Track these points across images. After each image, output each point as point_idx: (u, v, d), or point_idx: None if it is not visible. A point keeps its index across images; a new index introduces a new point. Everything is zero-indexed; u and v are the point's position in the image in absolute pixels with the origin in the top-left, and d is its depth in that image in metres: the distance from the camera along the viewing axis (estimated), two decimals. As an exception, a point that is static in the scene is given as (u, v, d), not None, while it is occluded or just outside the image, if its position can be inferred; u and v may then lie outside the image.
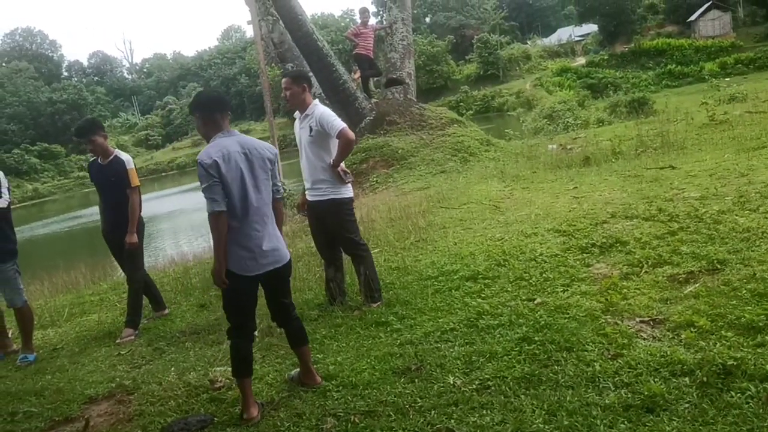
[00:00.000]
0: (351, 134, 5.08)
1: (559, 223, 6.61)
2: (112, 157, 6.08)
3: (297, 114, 5.34)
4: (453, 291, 5.33)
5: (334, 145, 5.16)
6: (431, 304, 5.15)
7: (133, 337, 5.95)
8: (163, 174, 60.68)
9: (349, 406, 3.63)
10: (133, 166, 6.11)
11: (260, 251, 3.75)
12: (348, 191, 5.31)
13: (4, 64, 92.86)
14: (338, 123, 5.03)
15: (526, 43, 73.05)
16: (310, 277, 6.67)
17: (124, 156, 6.15)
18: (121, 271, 7.12)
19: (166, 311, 6.42)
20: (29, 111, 79.14)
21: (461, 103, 54.26)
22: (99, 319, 6.98)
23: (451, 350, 4.14)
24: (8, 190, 5.88)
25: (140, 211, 6.15)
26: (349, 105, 14.93)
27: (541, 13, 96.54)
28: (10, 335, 6.34)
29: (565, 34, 74.33)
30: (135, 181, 6.05)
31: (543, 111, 30.38)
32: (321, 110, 5.12)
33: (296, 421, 3.61)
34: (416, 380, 3.81)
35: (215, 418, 3.87)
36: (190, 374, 4.59)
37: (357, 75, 15.55)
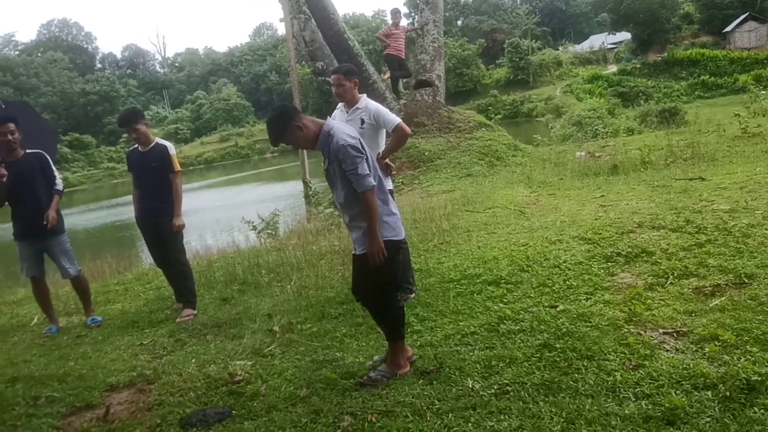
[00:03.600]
0: (407, 129, 5.27)
1: (584, 231, 6.55)
2: (153, 144, 6.23)
3: (341, 107, 5.38)
4: (475, 295, 5.31)
5: (382, 139, 5.30)
6: (452, 306, 5.14)
7: (192, 316, 6.11)
8: (191, 168, 61.19)
9: (366, 405, 3.64)
10: (175, 152, 6.32)
11: (398, 214, 4.05)
12: (388, 184, 5.34)
13: (39, 54, 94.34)
14: (395, 117, 5.23)
15: (558, 49, 72.57)
16: (333, 276, 6.69)
17: (166, 142, 6.35)
18: (150, 260, 7.23)
19: (195, 312, 6.30)
20: (62, 101, 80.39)
21: (490, 107, 54.00)
22: (123, 308, 7.07)
23: (471, 354, 4.13)
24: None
25: (180, 195, 6.30)
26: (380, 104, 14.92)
27: (574, 19, 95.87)
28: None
29: (597, 41, 73.72)
30: (177, 166, 6.25)
31: (572, 118, 30.14)
32: (375, 105, 5.28)
33: (314, 417, 3.62)
34: (434, 382, 3.80)
35: (233, 411, 3.90)
36: (210, 366, 4.63)
37: (387, 75, 15.55)
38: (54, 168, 6.34)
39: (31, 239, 6.21)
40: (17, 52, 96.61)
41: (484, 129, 15.40)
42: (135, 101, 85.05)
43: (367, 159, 3.81)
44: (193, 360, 4.89)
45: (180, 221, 6.23)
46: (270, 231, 12.16)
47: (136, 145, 6.33)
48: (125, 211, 21.33)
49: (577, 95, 48.58)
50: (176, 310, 6.44)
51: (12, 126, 5.97)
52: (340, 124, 3.95)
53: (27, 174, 6.07)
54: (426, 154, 13.99)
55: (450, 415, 3.36)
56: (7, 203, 6.17)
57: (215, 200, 29.14)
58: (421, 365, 4.09)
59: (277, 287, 6.79)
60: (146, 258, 10.35)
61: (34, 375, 5.02)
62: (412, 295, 5.45)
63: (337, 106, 5.50)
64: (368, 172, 3.76)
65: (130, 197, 6.84)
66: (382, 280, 4.00)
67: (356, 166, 3.72)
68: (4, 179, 5.89)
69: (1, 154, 6.02)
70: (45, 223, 6.08)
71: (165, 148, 6.25)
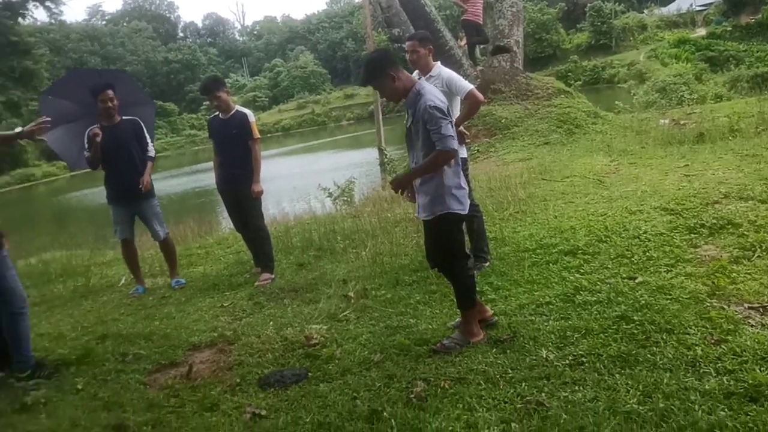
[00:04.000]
0: (480, 96, 5.17)
1: (666, 201, 6.33)
2: (233, 111, 6.37)
3: (416, 75, 5.35)
4: (550, 265, 5.24)
5: (456, 107, 5.24)
6: (527, 276, 5.09)
7: (270, 280, 6.28)
8: (268, 135, 62.16)
9: (439, 372, 3.67)
10: (254, 120, 6.44)
11: (466, 188, 4.01)
12: (462, 152, 5.29)
13: (125, 24, 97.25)
14: (467, 84, 5.17)
15: (643, 12, 69.48)
16: (407, 243, 6.73)
17: (246, 110, 6.48)
18: (230, 225, 7.44)
19: (272, 277, 6.46)
20: (147, 69, 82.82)
21: (569, 74, 52.37)
22: (204, 271, 7.32)
23: (546, 324, 4.09)
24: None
25: (260, 162, 6.43)
26: (454, 72, 14.74)
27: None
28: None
29: (685, 3, 70.06)
30: (256, 133, 6.39)
31: (656, 84, 28.91)
32: (448, 72, 5.19)
33: (387, 382, 3.68)
34: (508, 351, 3.80)
35: (309, 373, 4.01)
36: (287, 329, 4.76)
37: (463, 42, 15.29)
38: (147, 135, 6.59)
39: (124, 203, 6.50)
40: (104, 22, 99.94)
41: (563, 96, 14.99)
42: (215, 69, 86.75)
43: (451, 124, 3.78)
44: (271, 323, 5.04)
45: (259, 187, 6.36)
46: (345, 198, 12.29)
47: (217, 113, 6.48)
48: (205, 177, 21.95)
49: (662, 60, 46.47)
50: (255, 274, 6.63)
51: (111, 93, 6.23)
52: (432, 86, 3.92)
53: (122, 139, 6.33)
54: (502, 121, 13.76)
55: (523, 384, 3.36)
56: (101, 168, 6.45)
57: (292, 167, 29.59)
58: (494, 334, 4.09)
59: (352, 254, 6.88)
60: (226, 223, 10.64)
61: (122, 333, 5.29)
62: (487, 264, 5.44)
63: (413, 74, 5.46)
64: (452, 134, 3.73)
65: (210, 164, 7.03)
66: (447, 250, 4.01)
67: (441, 125, 3.70)
68: (99, 139, 6.15)
69: (100, 120, 6.30)
70: (140, 187, 6.36)
71: (245, 115, 6.38)
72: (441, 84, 5.12)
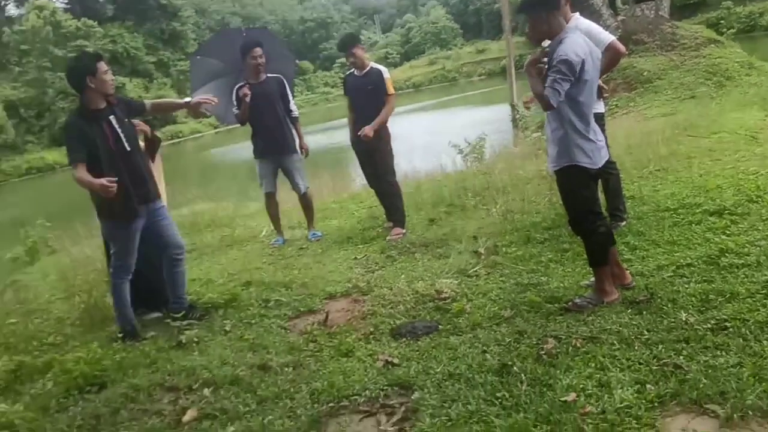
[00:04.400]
0: (621, 47, 4.96)
1: (829, 160, 5.82)
2: (368, 68, 6.48)
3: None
4: (693, 225, 4.99)
5: None
6: (667, 237, 4.88)
7: (401, 235, 6.42)
8: (400, 92, 62.34)
9: (571, 330, 3.63)
10: (389, 76, 6.51)
11: (600, 144, 3.91)
12: (599, 107, 5.11)
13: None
14: (607, 35, 4.94)
15: (810, -50, 62.80)
16: (540, 201, 6.62)
17: (381, 67, 6.58)
18: (363, 181, 7.63)
19: (404, 232, 6.54)
20: (284, 29, 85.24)
21: (721, 21, 48.39)
22: (339, 225, 7.59)
23: (686, 286, 3.92)
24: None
25: (388, 118, 6.53)
26: (593, 22, 14.10)
27: None
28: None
29: None
30: (391, 89, 6.48)
31: (823, 30, 26.26)
32: (586, 23, 4.97)
33: (517, 338, 3.69)
34: (644, 312, 3.69)
35: (440, 326, 4.09)
36: (418, 283, 4.86)
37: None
38: (290, 93, 6.86)
39: (269, 157, 6.82)
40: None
41: (713, 45, 13.97)
42: (348, 27, 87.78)
43: (571, 82, 3.65)
44: (403, 276, 5.16)
45: (370, 131, 6.33)
46: (476, 155, 12.17)
47: (353, 70, 6.61)
48: (339, 134, 22.46)
49: (832, 3, 41.99)
50: (387, 229, 6.78)
51: (259, 51, 6.51)
52: (578, 38, 3.76)
53: (268, 97, 6.60)
54: (644, 74, 13.06)
55: (660, 346, 3.26)
56: (248, 124, 6.79)
57: (423, 124, 29.64)
58: (630, 295, 3.98)
59: (483, 210, 6.87)
60: (359, 178, 10.90)
61: (264, 280, 5.61)
62: (623, 223, 5.26)
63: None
64: (560, 91, 3.62)
65: (343, 120, 7.21)
66: (576, 204, 3.95)
67: (556, 78, 3.61)
68: (248, 99, 6.47)
69: (248, 77, 6.62)
70: (304, 153, 6.87)
71: (380, 72, 6.47)
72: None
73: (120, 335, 4.62)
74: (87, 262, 7.67)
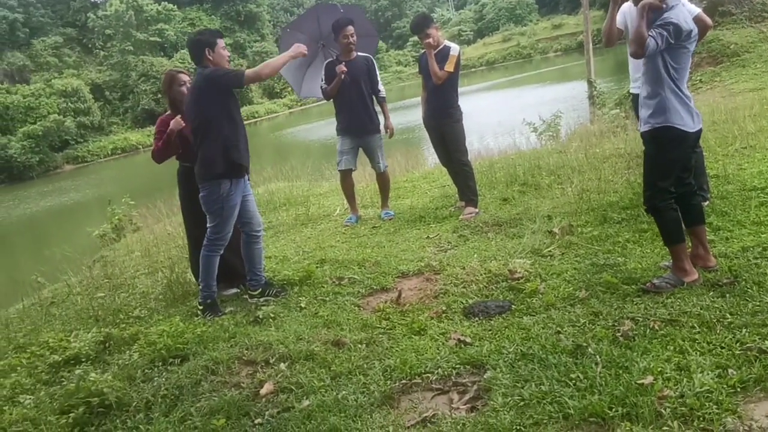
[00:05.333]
0: (708, 20, 4.88)
1: None
2: (441, 47, 6.46)
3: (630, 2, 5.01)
4: (782, 205, 4.77)
5: None
6: (753, 217, 4.69)
7: (474, 214, 6.41)
8: (473, 69, 61.82)
9: (648, 312, 3.55)
10: (456, 53, 6.45)
11: (694, 109, 3.86)
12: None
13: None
14: (693, 7, 4.80)
15: None
16: (617, 179, 6.46)
17: (452, 44, 6.57)
18: (435, 160, 7.62)
19: (476, 211, 6.51)
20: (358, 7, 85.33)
21: (817, -11, 45.74)
22: (411, 204, 7.60)
23: (773, 269, 3.77)
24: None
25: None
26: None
27: None
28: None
29: None
30: (450, 67, 6.38)
31: None
32: None
33: (592, 319, 3.63)
34: (727, 295, 3.56)
35: (513, 306, 4.07)
36: (491, 263, 4.83)
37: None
38: (377, 72, 6.93)
39: (352, 135, 6.90)
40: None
41: (808, 15, 13.20)
42: (421, 4, 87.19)
43: (672, 43, 3.64)
44: (475, 255, 5.14)
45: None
46: (551, 133, 11.99)
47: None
48: (411, 113, 22.43)
49: None
50: (459, 208, 6.75)
51: (352, 29, 6.62)
52: (685, 13, 3.74)
53: (356, 75, 6.69)
54: (731, 47, 12.49)
55: (744, 330, 3.15)
56: (332, 101, 6.91)
57: (497, 102, 29.24)
58: (712, 277, 3.85)
59: (558, 189, 6.75)
60: (432, 157, 10.88)
61: (338, 258, 5.70)
62: (706, 203, 5.06)
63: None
64: (658, 45, 3.62)
65: (413, 100, 7.22)
66: (655, 173, 3.86)
67: (661, 32, 3.61)
68: (344, 77, 6.57)
69: (339, 54, 6.71)
70: (388, 133, 6.98)
71: (448, 48, 6.44)
72: None
73: (200, 309, 4.80)
74: (168, 239, 8.00)
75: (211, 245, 4.81)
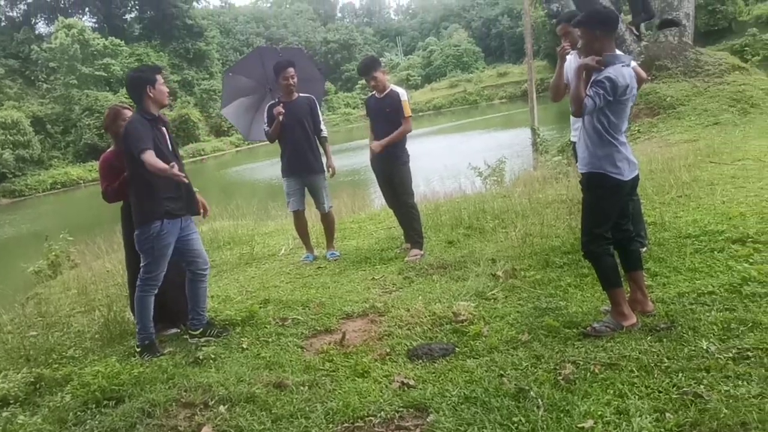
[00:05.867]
0: (643, 73, 5.18)
1: None
2: (388, 90, 6.55)
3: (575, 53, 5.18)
4: (716, 253, 4.94)
5: None
6: (689, 264, 4.83)
7: (419, 256, 6.41)
8: (420, 114, 62.73)
9: (589, 356, 3.60)
10: (407, 99, 6.56)
11: (631, 158, 3.96)
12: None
13: (287, 6, 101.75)
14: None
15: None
16: (559, 225, 6.59)
17: (400, 89, 6.63)
18: (382, 201, 7.65)
19: (422, 253, 6.52)
20: (306, 50, 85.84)
21: (746, 48, 48.13)
22: (357, 245, 7.59)
23: (708, 314, 3.88)
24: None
25: (402, 137, 6.56)
26: (616, 47, 14.09)
27: None
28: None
29: None
30: (408, 111, 6.51)
31: None
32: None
33: (534, 362, 3.66)
34: (664, 340, 3.64)
35: (456, 348, 4.07)
36: (435, 305, 4.84)
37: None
38: (320, 112, 6.94)
39: (296, 175, 6.88)
40: (269, 5, 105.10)
41: (737, 72, 13.93)
42: (370, 49, 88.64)
43: (610, 100, 3.75)
44: (420, 297, 5.14)
45: (379, 147, 6.49)
46: (496, 178, 12.19)
47: (374, 92, 6.67)
48: (359, 155, 22.56)
49: None
50: (405, 250, 6.77)
51: (292, 71, 6.62)
52: (622, 70, 3.84)
53: (298, 116, 6.69)
54: (667, 100, 13.02)
55: (680, 374, 3.22)
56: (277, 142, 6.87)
57: (443, 146, 29.67)
58: (650, 322, 3.94)
59: (502, 233, 6.85)
60: (378, 199, 10.92)
61: (282, 299, 5.63)
62: (644, 249, 5.21)
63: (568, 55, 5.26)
64: (596, 105, 3.74)
65: (361, 141, 7.28)
66: (592, 220, 3.96)
67: (598, 91, 3.73)
68: (282, 118, 6.57)
69: (281, 96, 6.72)
70: (330, 173, 6.92)
71: (398, 94, 6.53)
72: None
73: (138, 350, 4.65)
74: (107, 276, 7.76)
75: (144, 285, 4.68)
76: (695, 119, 12.18)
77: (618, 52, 4.03)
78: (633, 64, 4.88)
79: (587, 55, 3.94)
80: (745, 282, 4.23)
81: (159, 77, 4.70)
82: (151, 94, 4.61)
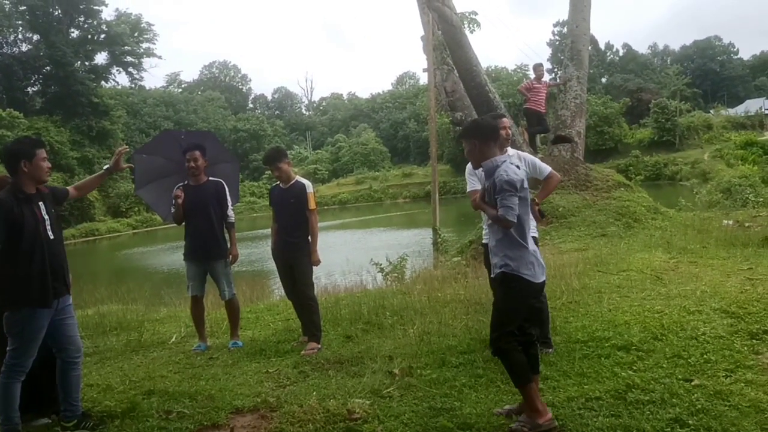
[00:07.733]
0: (559, 176, 5.66)
1: (727, 304, 6.15)
2: (293, 181, 6.58)
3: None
4: (602, 359, 5.11)
5: None
6: (577, 368, 4.97)
7: (316, 350, 6.29)
8: (326, 207, 63.30)
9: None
10: (312, 191, 6.63)
11: (540, 261, 4.16)
12: (534, 231, 5.27)
13: (199, 93, 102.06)
14: (547, 167, 5.59)
15: (709, 112, 69.20)
16: (456, 324, 6.67)
17: (305, 181, 6.69)
18: (281, 292, 7.54)
19: (319, 347, 6.42)
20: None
21: (630, 167, 52.11)
22: (253, 335, 7.37)
23: (595, 420, 3.97)
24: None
25: (317, 231, 6.63)
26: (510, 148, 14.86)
27: (729, 82, 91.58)
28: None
29: (754, 105, 69.54)
30: (312, 204, 6.56)
31: (720, 184, 28.46)
32: (530, 156, 5.69)
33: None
34: (554, 444, 3.68)
35: (349, 448, 3.95)
36: (330, 401, 4.71)
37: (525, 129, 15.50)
38: (229, 198, 6.85)
39: (197, 259, 6.73)
40: (180, 90, 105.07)
41: (622, 189, 14.89)
42: (280, 140, 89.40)
43: (518, 197, 3.95)
44: (314, 393, 5.00)
45: (317, 257, 6.54)
46: (397, 274, 12.31)
47: (278, 182, 6.70)
48: (261, 244, 22.33)
49: (728, 161, 45.82)
50: (302, 343, 6.64)
51: (197, 154, 6.57)
52: (513, 164, 4.11)
53: (203, 200, 6.61)
54: (560, 210, 13.70)
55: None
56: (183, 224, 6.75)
57: (346, 240, 29.89)
58: (540, 425, 3.97)
59: (400, 330, 6.85)
60: (278, 290, 10.76)
61: (168, 390, 5.32)
62: (551, 350, 5.36)
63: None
64: (512, 209, 3.90)
65: (265, 230, 7.24)
66: (502, 317, 4.05)
67: (504, 197, 3.91)
68: (180, 201, 6.47)
69: (186, 178, 6.64)
70: (230, 259, 6.81)
71: (303, 186, 6.58)
72: (524, 165, 5.34)
73: (1, 441, 4.25)
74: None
75: (9, 371, 4.31)
76: (585, 230, 12.84)
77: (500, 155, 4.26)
78: (550, 169, 5.39)
79: (474, 163, 4.22)
80: (629, 389, 4.38)
81: (40, 152, 4.40)
82: (25, 169, 4.33)
